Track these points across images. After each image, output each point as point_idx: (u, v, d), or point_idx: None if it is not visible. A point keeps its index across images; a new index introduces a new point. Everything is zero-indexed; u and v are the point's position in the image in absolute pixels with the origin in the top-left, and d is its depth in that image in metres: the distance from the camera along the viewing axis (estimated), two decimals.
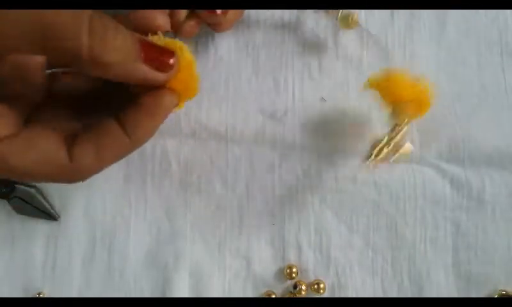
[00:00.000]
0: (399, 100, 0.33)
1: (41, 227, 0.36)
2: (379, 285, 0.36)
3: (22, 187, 0.36)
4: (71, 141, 0.27)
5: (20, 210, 0.36)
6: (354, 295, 0.36)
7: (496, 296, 0.35)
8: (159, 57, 0.27)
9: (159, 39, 0.29)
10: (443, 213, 0.36)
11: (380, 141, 0.34)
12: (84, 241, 0.36)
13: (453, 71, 0.37)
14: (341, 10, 0.36)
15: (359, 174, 0.36)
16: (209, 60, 0.37)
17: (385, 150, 0.33)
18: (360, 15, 0.37)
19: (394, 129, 0.34)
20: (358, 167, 0.36)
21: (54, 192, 0.37)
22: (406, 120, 0.34)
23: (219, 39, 0.37)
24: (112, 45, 0.25)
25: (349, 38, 0.38)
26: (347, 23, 0.36)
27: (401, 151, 0.34)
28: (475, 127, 0.37)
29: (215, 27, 0.32)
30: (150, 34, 0.29)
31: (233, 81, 0.37)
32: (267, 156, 0.37)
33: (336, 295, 0.36)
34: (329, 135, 0.37)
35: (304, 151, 0.37)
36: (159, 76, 0.27)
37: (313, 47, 0.38)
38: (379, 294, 0.36)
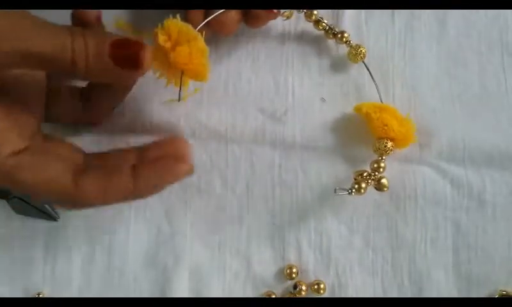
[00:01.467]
0: (385, 135, 0.34)
1: (41, 227, 0.36)
2: (379, 285, 0.36)
3: None
4: (81, 170, 0.28)
5: (20, 210, 0.36)
6: (354, 296, 0.36)
7: (496, 296, 0.35)
8: (127, 58, 0.27)
9: (176, 25, 0.29)
10: (444, 214, 0.36)
11: (361, 175, 0.35)
12: (84, 241, 0.36)
13: (453, 71, 0.37)
14: (350, 46, 0.37)
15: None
16: (209, 60, 0.37)
17: (363, 185, 0.34)
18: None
19: (375, 163, 0.34)
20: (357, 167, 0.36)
21: None
22: (384, 157, 0.35)
23: (218, 38, 0.37)
24: (86, 54, 0.26)
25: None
26: (355, 57, 0.36)
27: (379, 186, 0.34)
28: (475, 127, 0.36)
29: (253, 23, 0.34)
30: (169, 17, 0.29)
31: (233, 81, 0.37)
32: (267, 156, 0.37)
33: (337, 295, 0.36)
34: (329, 135, 0.37)
35: (304, 151, 0.37)
36: (131, 75, 0.28)
37: (313, 47, 0.38)
38: (379, 294, 0.36)
